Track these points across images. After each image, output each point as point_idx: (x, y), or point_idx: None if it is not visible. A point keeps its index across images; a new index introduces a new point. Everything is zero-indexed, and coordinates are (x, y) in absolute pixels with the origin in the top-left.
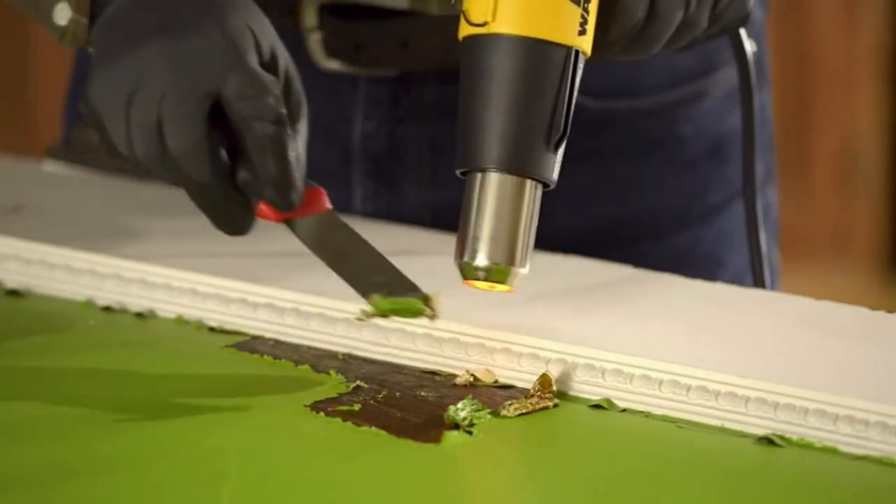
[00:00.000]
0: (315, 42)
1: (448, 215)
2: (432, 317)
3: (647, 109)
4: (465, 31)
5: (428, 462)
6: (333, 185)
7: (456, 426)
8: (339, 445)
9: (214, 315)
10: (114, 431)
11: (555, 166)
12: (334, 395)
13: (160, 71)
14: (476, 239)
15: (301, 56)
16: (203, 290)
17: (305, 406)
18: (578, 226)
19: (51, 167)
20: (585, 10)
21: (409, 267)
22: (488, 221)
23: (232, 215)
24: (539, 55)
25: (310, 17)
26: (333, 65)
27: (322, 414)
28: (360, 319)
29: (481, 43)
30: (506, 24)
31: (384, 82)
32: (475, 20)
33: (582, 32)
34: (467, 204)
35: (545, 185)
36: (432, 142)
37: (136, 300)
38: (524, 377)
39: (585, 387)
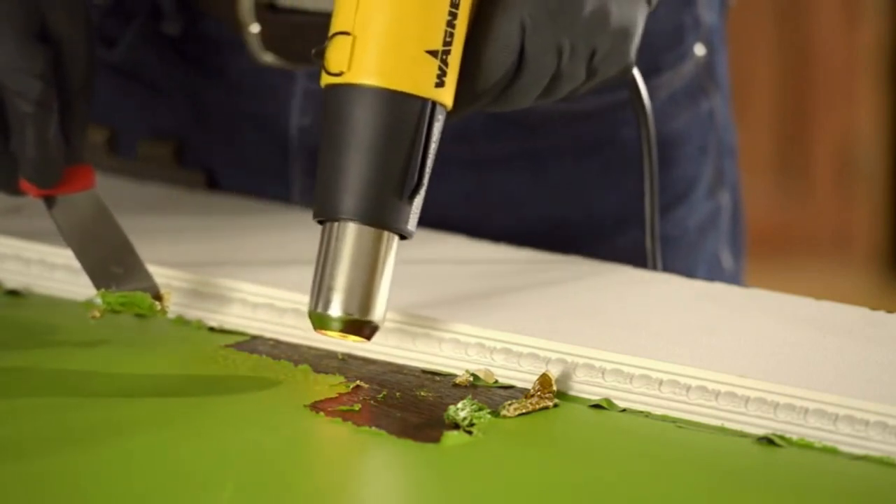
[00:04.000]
0: (251, 35)
1: None
2: (161, 313)
3: (586, 111)
4: (324, 79)
5: (428, 462)
6: (272, 179)
7: (456, 426)
8: (339, 445)
9: (214, 315)
10: (113, 432)
11: (410, 217)
12: (334, 395)
13: None
14: (330, 289)
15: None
16: (203, 290)
17: (305, 406)
18: (515, 227)
19: None
20: (444, 62)
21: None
22: (342, 272)
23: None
24: (393, 106)
25: (246, 11)
26: (269, 58)
27: (322, 414)
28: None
29: (338, 92)
30: (360, 74)
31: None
32: (332, 69)
33: (440, 85)
34: (322, 253)
35: (402, 237)
36: None
37: None
38: (524, 377)
39: (585, 387)
